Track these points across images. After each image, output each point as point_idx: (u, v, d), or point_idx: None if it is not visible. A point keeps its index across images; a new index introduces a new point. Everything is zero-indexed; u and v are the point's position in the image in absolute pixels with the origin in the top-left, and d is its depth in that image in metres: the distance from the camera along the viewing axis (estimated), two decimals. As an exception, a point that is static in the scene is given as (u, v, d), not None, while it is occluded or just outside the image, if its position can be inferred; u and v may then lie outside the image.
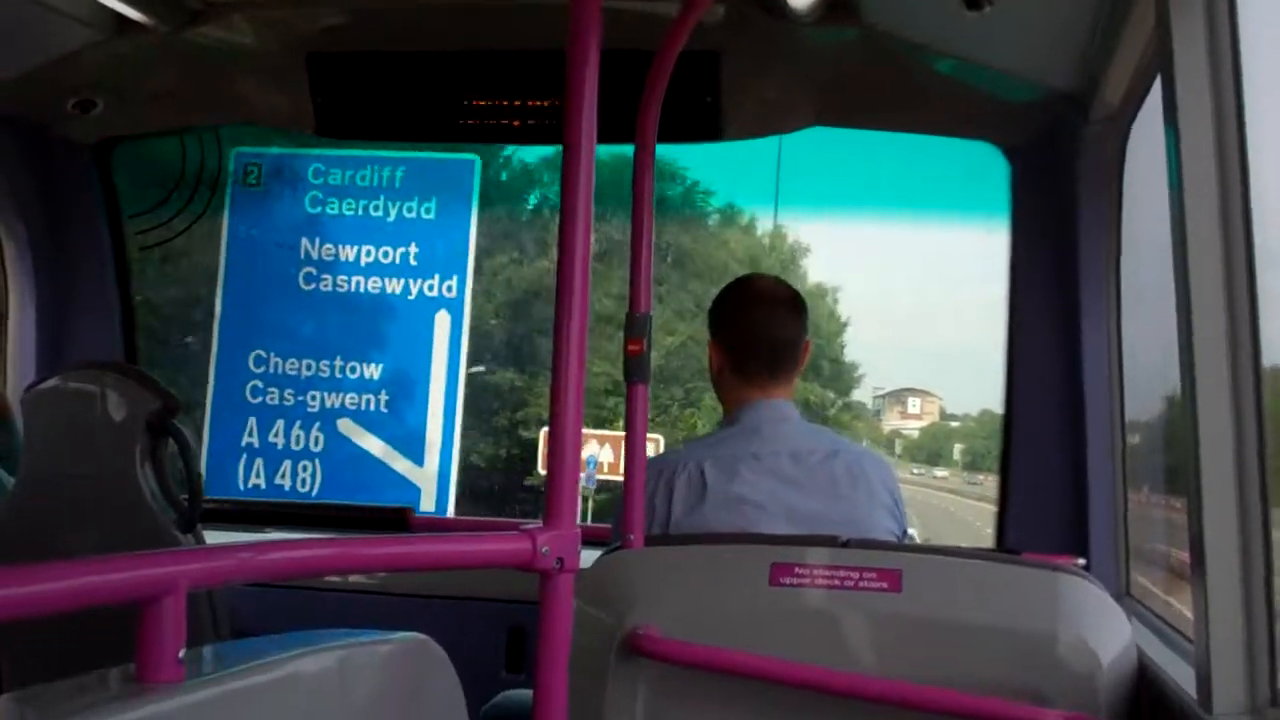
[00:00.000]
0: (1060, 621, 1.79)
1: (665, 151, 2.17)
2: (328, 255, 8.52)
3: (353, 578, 2.89)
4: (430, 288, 8.26)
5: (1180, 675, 1.75)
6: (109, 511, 2.37)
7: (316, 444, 8.18)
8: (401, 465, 8.44)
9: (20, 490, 2.50)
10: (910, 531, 2.90)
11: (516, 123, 2.81)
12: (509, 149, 11.41)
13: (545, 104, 2.78)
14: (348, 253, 8.37)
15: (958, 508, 22.39)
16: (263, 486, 8.40)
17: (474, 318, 14.49)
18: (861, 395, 23.21)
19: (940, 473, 26.20)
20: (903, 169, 10.02)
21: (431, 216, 8.27)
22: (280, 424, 8.28)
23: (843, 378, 20.21)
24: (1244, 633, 1.50)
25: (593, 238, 1.43)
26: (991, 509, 3.12)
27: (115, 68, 2.86)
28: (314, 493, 8.35)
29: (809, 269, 17.21)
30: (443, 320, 8.31)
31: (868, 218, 12.78)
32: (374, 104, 2.85)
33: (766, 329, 2.37)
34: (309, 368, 8.21)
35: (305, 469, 8.31)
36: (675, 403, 14.34)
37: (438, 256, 8.25)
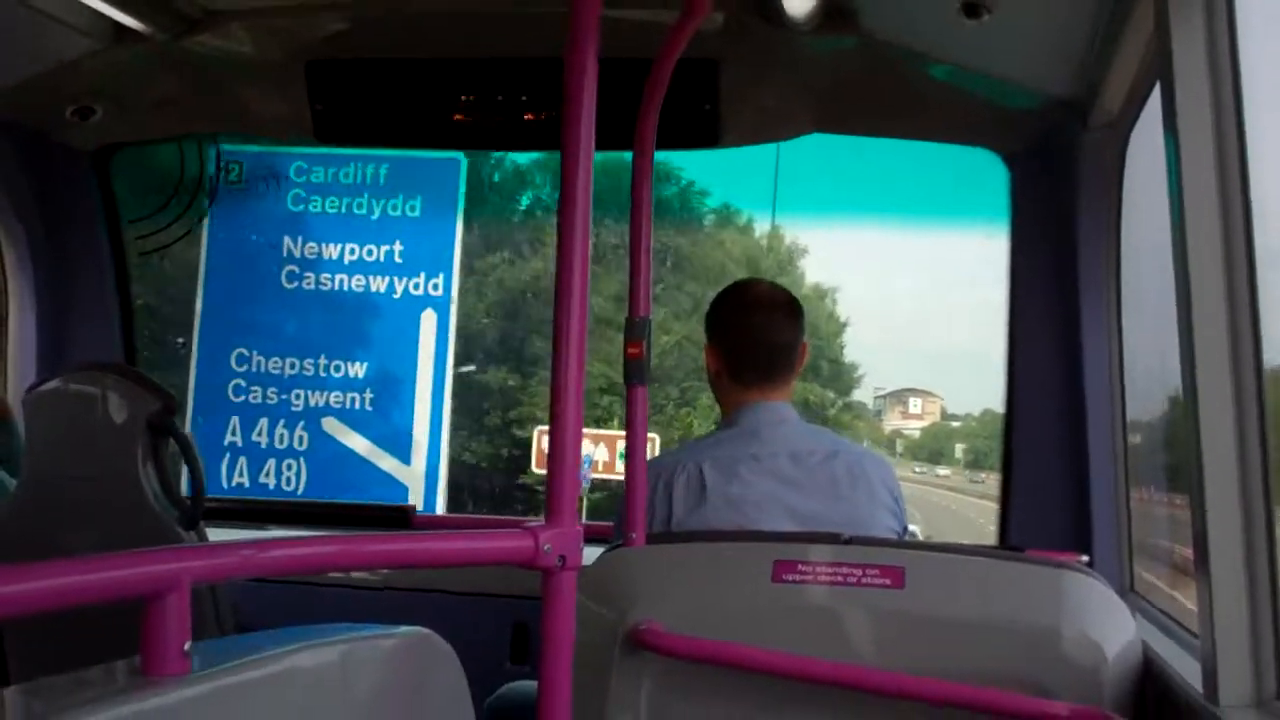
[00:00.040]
0: (1064, 618, 1.78)
1: (661, 153, 2.16)
2: (310, 253, 8.49)
3: (356, 575, 2.90)
4: (415, 286, 8.22)
5: (1186, 669, 1.73)
6: (111, 512, 2.36)
7: (301, 443, 8.16)
8: (388, 464, 8.40)
9: (22, 492, 2.50)
10: (912, 529, 2.89)
11: (515, 129, 2.82)
12: (499, 149, 11.37)
13: (543, 112, 2.78)
14: (331, 251, 8.34)
15: (960, 505, 22.30)
16: (246, 485, 8.33)
17: (465, 317, 14.45)
18: (862, 396, 23.14)
19: (942, 471, 26.07)
20: (902, 174, 9.96)
21: (416, 214, 8.22)
22: (264, 422, 8.22)
23: (843, 378, 20.09)
24: (1249, 626, 1.50)
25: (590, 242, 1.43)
26: (993, 506, 3.11)
27: (114, 75, 2.87)
28: (299, 491, 8.30)
29: (807, 270, 17.17)
30: (429, 319, 8.26)
31: (866, 222, 12.66)
32: (373, 111, 2.85)
33: (763, 333, 2.35)
34: (293, 366, 8.16)
35: (290, 468, 8.25)
36: (670, 402, 14.29)
37: (423, 255, 8.20)
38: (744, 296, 2.44)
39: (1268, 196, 1.55)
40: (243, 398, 8.32)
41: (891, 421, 26.64)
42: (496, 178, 12.91)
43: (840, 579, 1.84)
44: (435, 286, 8.21)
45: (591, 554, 1.64)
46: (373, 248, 8.42)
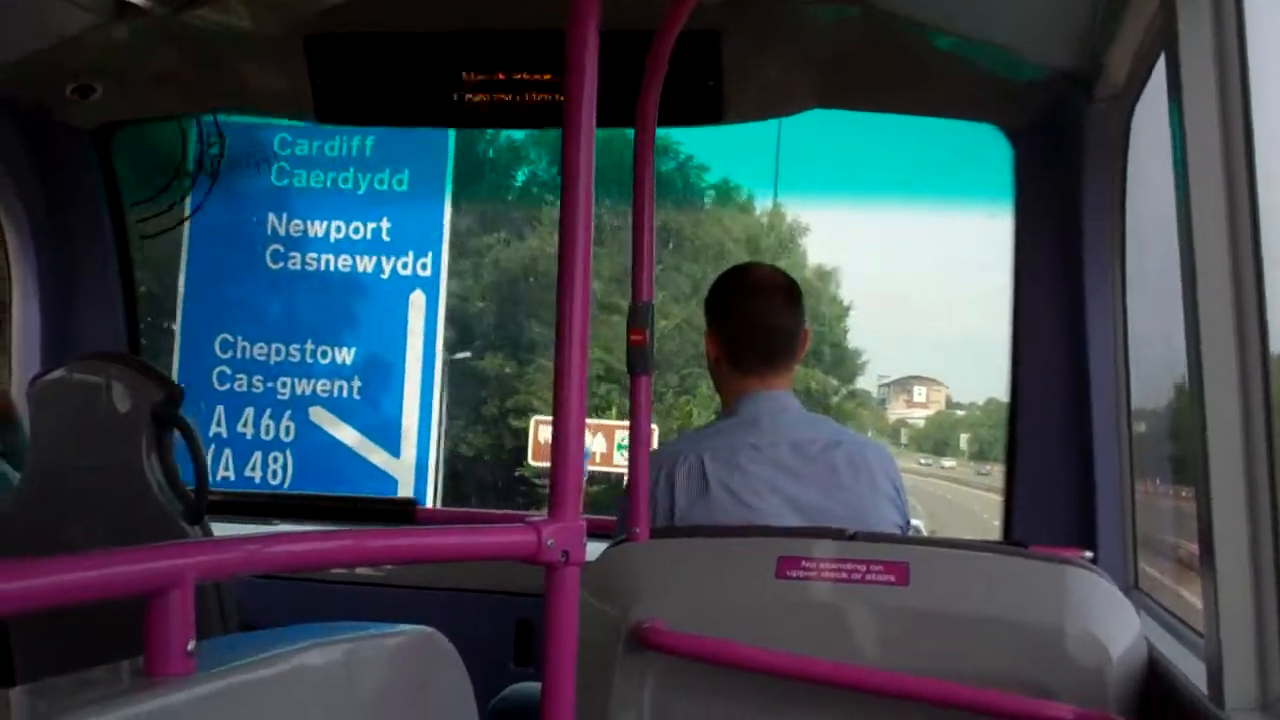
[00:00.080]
0: (1068, 615, 1.79)
1: (662, 129, 2.16)
2: (295, 231, 8.22)
3: (360, 570, 2.92)
4: (404, 265, 7.96)
5: (1190, 669, 1.73)
6: (115, 503, 2.37)
7: (287, 434, 7.95)
8: (377, 456, 8.14)
9: (27, 483, 2.51)
10: (916, 523, 2.84)
11: (517, 104, 2.82)
12: (493, 124, 10.99)
13: (546, 84, 2.80)
14: (317, 228, 8.14)
15: (966, 499, 22.06)
16: (231, 479, 7.98)
17: (460, 300, 14.07)
18: (866, 383, 22.88)
19: (948, 463, 26.00)
20: (905, 152, 9.71)
21: (404, 189, 7.99)
22: (249, 412, 7.90)
23: (846, 364, 19.76)
24: (1254, 626, 1.50)
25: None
26: (999, 499, 3.10)
27: (114, 51, 2.85)
28: (285, 485, 7.97)
29: (809, 250, 16.81)
30: (417, 301, 7.97)
31: (869, 201, 12.43)
32: (373, 87, 2.86)
33: (764, 319, 2.34)
34: (278, 352, 7.88)
35: (276, 460, 7.94)
36: (670, 390, 13.93)
37: (411, 232, 7.92)
38: (744, 281, 2.44)
39: (1274, 170, 1.57)
40: (227, 386, 8.01)
41: (896, 410, 26.45)
42: (490, 153, 12.52)
43: (844, 575, 1.86)
44: (424, 266, 8.05)
45: (594, 549, 1.63)
46: (359, 225, 8.18)
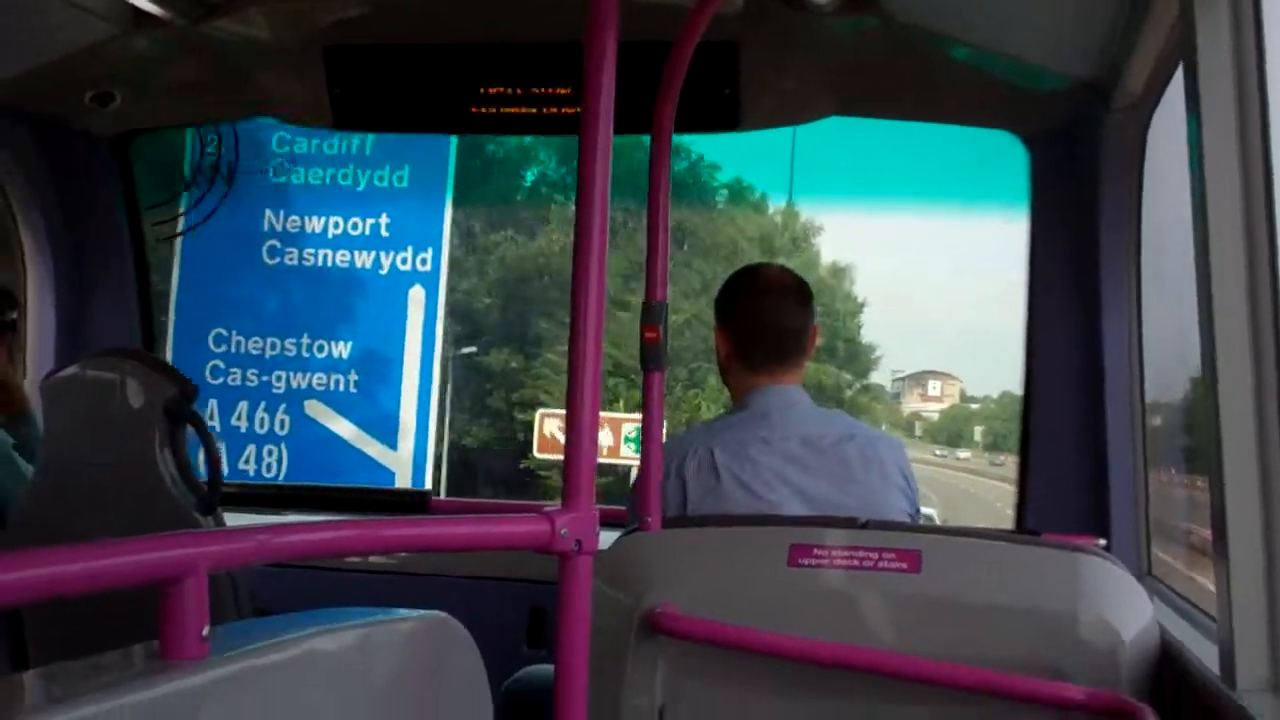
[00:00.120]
0: (1081, 601, 1.79)
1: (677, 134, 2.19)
2: (293, 227, 8.17)
3: (373, 559, 2.94)
4: (403, 261, 7.88)
5: (1203, 653, 1.74)
6: (129, 498, 2.38)
7: (282, 427, 7.85)
8: (374, 449, 8.06)
9: (40, 479, 2.53)
10: (928, 512, 2.90)
11: (534, 113, 2.85)
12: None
13: (563, 95, 2.82)
14: (314, 224, 7.99)
15: (982, 489, 21.92)
16: (225, 473, 7.91)
17: (466, 296, 14.04)
18: (880, 378, 22.77)
19: (963, 454, 25.93)
20: (921, 156, 9.61)
21: (404, 185, 7.86)
22: (243, 406, 7.86)
23: (860, 359, 19.66)
24: (1267, 609, 1.51)
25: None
26: (1013, 489, 3.11)
27: (133, 61, 2.89)
28: (280, 479, 7.91)
29: (822, 248, 16.68)
30: (416, 296, 7.91)
31: (885, 205, 12.35)
32: (391, 96, 2.89)
33: (774, 318, 2.37)
34: (274, 346, 7.82)
35: (270, 454, 7.90)
36: (679, 383, 13.91)
37: (411, 228, 7.84)
38: (754, 281, 2.46)
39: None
40: (221, 380, 7.96)
41: (910, 404, 26.34)
42: (500, 153, 12.44)
43: (856, 563, 1.85)
44: (424, 261, 7.90)
45: (606, 539, 1.63)
46: (358, 221, 8.11)
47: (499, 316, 14.40)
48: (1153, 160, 2.60)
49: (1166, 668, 1.81)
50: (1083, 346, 2.75)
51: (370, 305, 7.90)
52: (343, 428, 7.83)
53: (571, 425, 1.40)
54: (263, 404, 7.78)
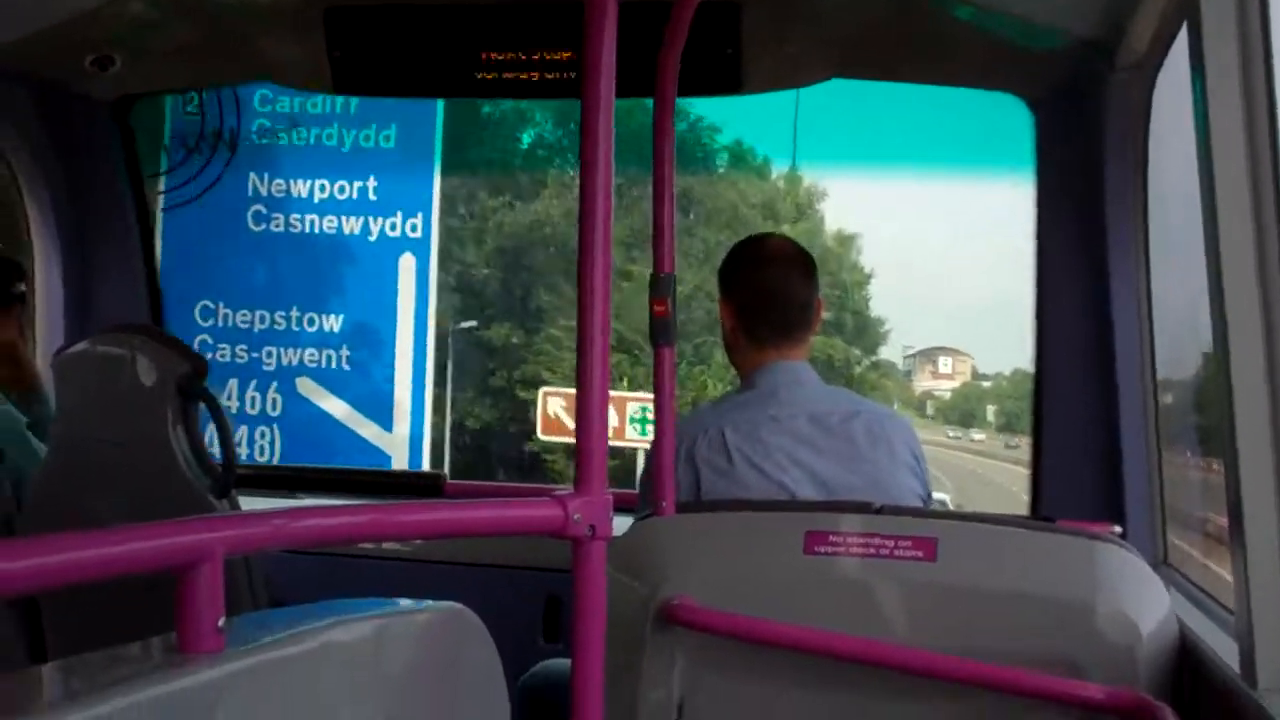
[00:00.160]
0: (1098, 592, 1.80)
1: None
2: (278, 191, 7.86)
3: (387, 546, 2.95)
4: (392, 226, 7.56)
5: (1221, 647, 1.76)
6: (141, 477, 2.37)
7: (274, 407, 7.51)
8: (368, 430, 7.82)
9: (52, 457, 2.54)
10: (942, 497, 2.82)
11: (535, 76, 2.87)
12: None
13: (564, 57, 2.85)
14: (300, 188, 7.64)
15: (997, 473, 21.64)
16: (215, 456, 7.55)
17: (466, 267, 13.70)
18: (889, 353, 22.48)
19: (978, 435, 25.87)
20: (926, 118, 9.43)
21: (391, 145, 7.50)
22: (233, 384, 7.54)
23: (868, 333, 19.29)
24: None
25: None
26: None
27: (133, 23, 2.89)
28: (273, 462, 7.57)
29: (827, 214, 16.32)
30: (407, 264, 7.60)
31: (890, 170, 12.09)
32: (391, 59, 2.90)
33: (779, 289, 2.37)
34: (263, 320, 7.49)
35: (263, 435, 7.60)
36: (683, 360, 13.57)
37: (399, 191, 7.51)
38: (759, 251, 2.46)
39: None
40: (209, 356, 7.57)
41: (922, 382, 26.13)
42: (496, 114, 12.09)
43: (872, 550, 1.87)
44: (413, 227, 7.60)
45: (619, 524, 1.61)
46: (344, 184, 7.86)
47: (499, 288, 14.01)
48: (1158, 121, 2.60)
49: (1184, 663, 1.81)
50: (1092, 316, 2.75)
51: (360, 274, 7.62)
52: (336, 407, 7.56)
53: (582, 407, 1.39)
54: (254, 382, 7.51)
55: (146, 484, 2.36)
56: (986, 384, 26.19)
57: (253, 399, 7.32)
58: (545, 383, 12.87)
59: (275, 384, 7.33)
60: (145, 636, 1.04)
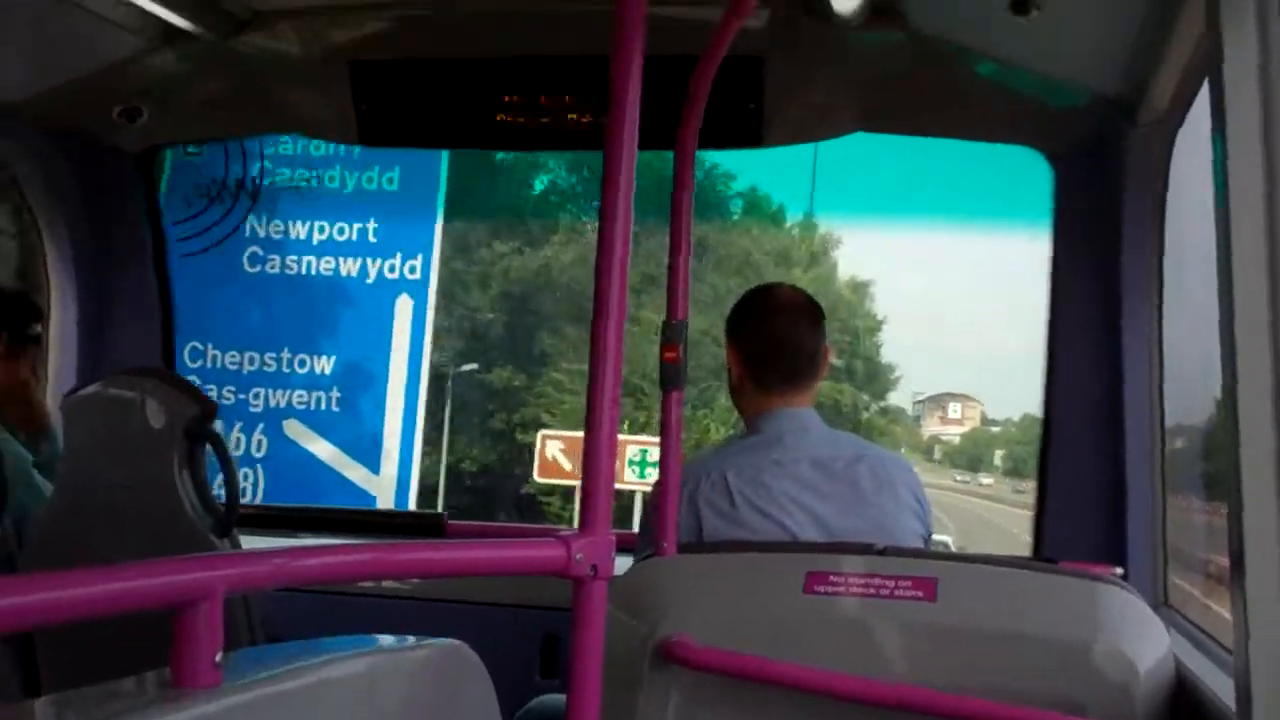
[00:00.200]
0: (1098, 632, 1.80)
1: None
2: (276, 233, 7.81)
3: (387, 583, 2.98)
4: (391, 268, 7.49)
5: (1219, 687, 1.75)
6: (147, 519, 2.40)
7: (259, 449, 7.40)
8: (355, 473, 7.66)
9: (58, 496, 2.56)
10: (944, 539, 2.75)
11: (556, 128, 2.91)
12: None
13: (585, 109, 2.88)
14: (299, 230, 7.58)
15: (1003, 518, 21.43)
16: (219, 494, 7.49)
17: (470, 310, 13.63)
18: (899, 399, 22.35)
19: (985, 480, 25.76)
20: (944, 172, 9.36)
21: (394, 188, 7.43)
22: (218, 425, 7.29)
23: (878, 379, 19.13)
24: None
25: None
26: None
27: (161, 76, 2.97)
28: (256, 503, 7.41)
29: (840, 261, 16.19)
30: (404, 306, 7.50)
31: (907, 221, 12.00)
32: (417, 111, 2.95)
33: (787, 338, 2.39)
34: (252, 361, 7.40)
35: (246, 478, 7.45)
36: (687, 403, 13.30)
37: (400, 233, 7.43)
38: (767, 300, 2.49)
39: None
40: (196, 397, 7.40)
41: (930, 427, 26.03)
42: (509, 160, 12.02)
43: (873, 591, 1.87)
44: (412, 269, 7.51)
45: (620, 564, 1.61)
46: (344, 226, 7.81)
47: (503, 331, 13.89)
48: (1175, 177, 2.61)
49: (1182, 702, 1.83)
50: (1103, 368, 2.77)
51: (356, 316, 7.53)
52: (322, 449, 7.45)
53: (589, 449, 1.40)
54: (239, 424, 7.41)
55: (151, 525, 2.39)
56: (995, 429, 26.09)
57: (237, 440, 7.26)
58: (545, 425, 12.72)
59: (261, 425, 7.24)
60: (138, 671, 1.04)
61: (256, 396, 7.25)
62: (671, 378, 2.12)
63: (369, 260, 7.31)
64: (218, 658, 0.99)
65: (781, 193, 13.57)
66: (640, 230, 1.45)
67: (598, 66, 1.44)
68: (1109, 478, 2.77)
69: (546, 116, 2.89)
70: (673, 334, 2.12)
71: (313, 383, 7.35)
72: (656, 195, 2.09)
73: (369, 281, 7.34)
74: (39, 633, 2.45)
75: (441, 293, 12.00)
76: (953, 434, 26.23)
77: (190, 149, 6.48)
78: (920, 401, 24.69)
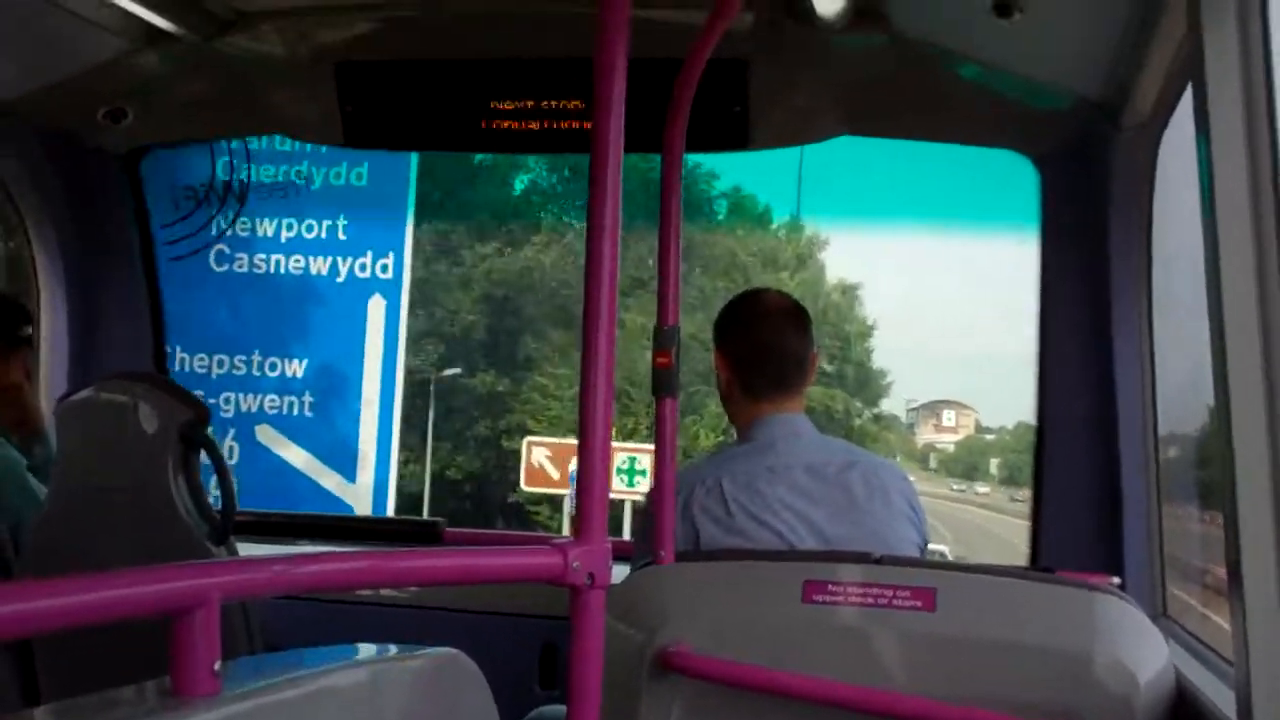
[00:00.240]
0: (1097, 642, 1.80)
1: None
2: (243, 230, 7.55)
3: (384, 592, 2.98)
4: (362, 267, 7.28)
5: (1219, 698, 1.77)
6: (142, 523, 2.40)
7: (230, 455, 7.21)
8: (330, 481, 7.53)
9: (52, 501, 2.56)
10: (940, 549, 2.69)
11: (544, 131, 2.91)
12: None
13: (573, 112, 2.89)
14: (266, 228, 7.36)
15: (1002, 527, 21.34)
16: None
17: (450, 313, 13.41)
18: (891, 405, 22.23)
19: (982, 488, 25.80)
20: (931, 175, 9.24)
21: (363, 183, 7.24)
22: (188, 432, 7.07)
23: (870, 385, 18.97)
24: None
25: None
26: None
27: (146, 77, 2.99)
28: (225, 514, 7.17)
29: (828, 264, 16.06)
30: (377, 307, 7.31)
31: (895, 224, 11.87)
32: (402, 113, 2.95)
33: (775, 343, 2.38)
34: (221, 364, 7.20)
35: (216, 487, 7.11)
36: (675, 409, 13.13)
37: (371, 231, 7.25)
38: (754, 306, 2.51)
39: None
40: (162, 403, 7.18)
41: (924, 435, 25.97)
42: (489, 159, 11.83)
43: (871, 600, 1.87)
44: (384, 268, 7.33)
45: (621, 572, 1.64)
46: (313, 223, 7.65)
47: (485, 336, 13.68)
48: (1163, 180, 2.62)
49: (1183, 714, 1.84)
50: (1095, 372, 2.78)
51: (327, 317, 7.34)
52: (296, 456, 7.26)
53: (584, 456, 1.40)
54: (208, 430, 7.12)
55: (146, 530, 2.40)
56: (990, 437, 26.07)
57: (208, 447, 7.04)
58: (531, 432, 12.50)
59: (233, 431, 7.05)
60: (137, 680, 1.04)
61: (227, 401, 7.07)
62: (665, 384, 2.11)
63: (339, 259, 7.13)
64: (216, 666, 0.99)
65: (767, 194, 13.51)
66: (626, 234, 1.42)
67: (584, 69, 1.44)
68: (1104, 485, 2.80)
69: (533, 119, 2.93)
70: (665, 340, 2.11)
71: (284, 386, 7.19)
72: (643, 198, 2.05)
73: (339, 280, 7.16)
74: (38, 640, 2.46)
75: (422, 295, 11.81)
76: (947, 442, 26.19)
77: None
78: (914, 409, 24.64)
